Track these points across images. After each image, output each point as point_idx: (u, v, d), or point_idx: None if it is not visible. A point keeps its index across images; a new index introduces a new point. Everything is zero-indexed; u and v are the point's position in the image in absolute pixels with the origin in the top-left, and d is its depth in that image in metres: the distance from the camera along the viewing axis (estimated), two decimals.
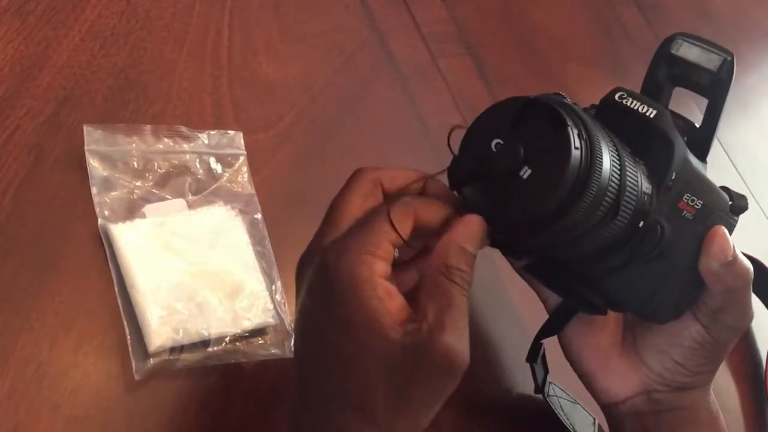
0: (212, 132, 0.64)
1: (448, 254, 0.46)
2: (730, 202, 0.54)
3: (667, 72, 0.57)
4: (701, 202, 0.53)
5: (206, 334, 0.55)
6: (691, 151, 0.54)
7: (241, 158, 0.64)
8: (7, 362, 0.51)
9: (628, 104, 0.54)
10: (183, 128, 0.63)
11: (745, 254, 0.54)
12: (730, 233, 0.53)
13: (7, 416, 0.50)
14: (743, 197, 0.55)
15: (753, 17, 1.10)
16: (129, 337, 0.54)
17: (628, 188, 0.50)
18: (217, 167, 0.63)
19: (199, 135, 0.63)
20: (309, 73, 0.73)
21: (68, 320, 0.54)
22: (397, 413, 0.45)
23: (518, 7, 0.92)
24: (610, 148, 0.49)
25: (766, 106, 1.04)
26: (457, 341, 0.45)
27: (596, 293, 0.55)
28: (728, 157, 0.93)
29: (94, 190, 0.58)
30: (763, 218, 0.91)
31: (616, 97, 0.54)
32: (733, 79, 0.54)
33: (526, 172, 0.48)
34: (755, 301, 0.61)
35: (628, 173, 0.50)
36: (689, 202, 0.53)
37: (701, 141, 0.55)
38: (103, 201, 0.58)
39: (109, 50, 0.65)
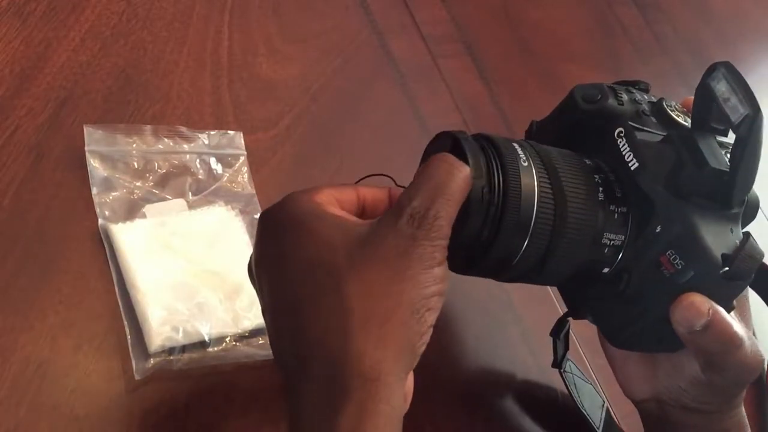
0: (212, 132, 0.64)
1: None
2: (726, 268, 0.48)
3: (702, 101, 0.51)
4: (683, 264, 0.48)
5: (206, 334, 0.55)
6: (718, 199, 0.49)
7: (241, 158, 0.64)
8: (7, 362, 0.51)
9: (620, 145, 0.51)
10: (183, 128, 0.63)
11: None
12: (726, 300, 0.50)
13: (7, 416, 0.50)
14: (751, 260, 0.48)
15: (753, 18, 1.10)
16: (129, 337, 0.54)
17: (570, 234, 0.49)
18: (217, 167, 0.63)
19: (199, 135, 0.64)
20: (309, 73, 0.73)
21: (68, 320, 0.54)
22: (378, 299, 0.44)
23: (518, 6, 0.91)
24: (544, 195, 0.48)
25: (766, 107, 1.04)
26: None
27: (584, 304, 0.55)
28: None
29: (94, 191, 0.58)
30: (763, 220, 0.91)
31: (616, 133, 0.52)
32: (759, 141, 0.48)
33: None
34: (757, 300, 0.60)
35: (571, 219, 0.49)
36: (671, 258, 0.49)
37: (727, 188, 0.49)
38: (103, 201, 0.58)
39: (109, 50, 0.65)
